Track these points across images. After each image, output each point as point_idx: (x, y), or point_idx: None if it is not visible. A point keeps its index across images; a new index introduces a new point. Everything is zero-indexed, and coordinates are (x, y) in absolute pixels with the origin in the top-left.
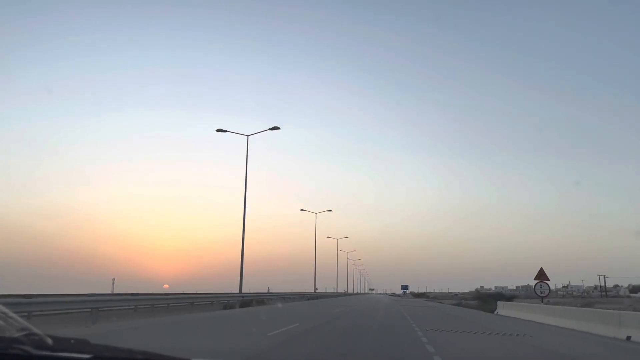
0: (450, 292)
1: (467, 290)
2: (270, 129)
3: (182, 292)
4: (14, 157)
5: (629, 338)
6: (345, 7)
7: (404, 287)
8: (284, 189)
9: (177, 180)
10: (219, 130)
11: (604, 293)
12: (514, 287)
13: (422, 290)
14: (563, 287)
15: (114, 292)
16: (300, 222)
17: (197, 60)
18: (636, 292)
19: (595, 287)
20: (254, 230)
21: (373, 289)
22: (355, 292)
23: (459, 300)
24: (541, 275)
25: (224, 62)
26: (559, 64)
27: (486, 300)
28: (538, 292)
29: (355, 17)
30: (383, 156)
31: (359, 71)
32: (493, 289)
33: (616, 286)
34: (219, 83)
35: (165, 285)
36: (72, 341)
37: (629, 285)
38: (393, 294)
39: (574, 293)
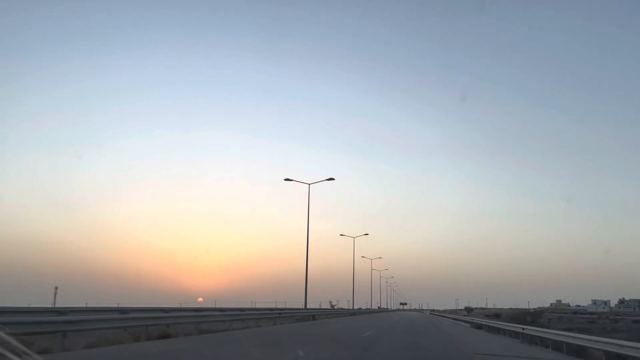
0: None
1: (536, 306)
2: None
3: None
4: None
5: None
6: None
7: None
8: (323, 206)
9: (226, 198)
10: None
11: None
12: (617, 303)
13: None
14: None
15: (55, 303)
16: (339, 239)
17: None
18: None
19: None
20: (297, 245)
21: (405, 303)
22: (385, 308)
23: None
24: None
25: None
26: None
27: None
28: None
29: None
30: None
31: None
32: (580, 305)
33: None
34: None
35: (200, 299)
36: None
37: None
38: (432, 311)
39: None
